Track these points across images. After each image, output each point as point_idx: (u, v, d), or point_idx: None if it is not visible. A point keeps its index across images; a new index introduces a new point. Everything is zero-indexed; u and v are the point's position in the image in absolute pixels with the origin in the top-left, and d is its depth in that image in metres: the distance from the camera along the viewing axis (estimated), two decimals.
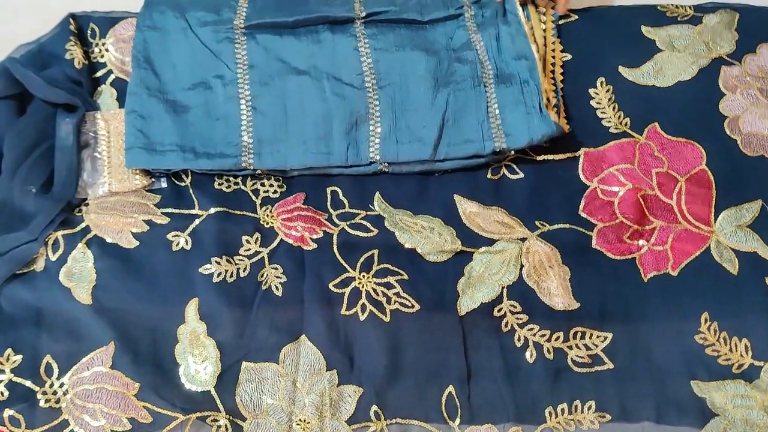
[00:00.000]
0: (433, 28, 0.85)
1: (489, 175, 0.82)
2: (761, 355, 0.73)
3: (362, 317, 0.74)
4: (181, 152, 0.78)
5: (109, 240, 0.77)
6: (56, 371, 0.72)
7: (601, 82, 0.86)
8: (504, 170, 0.82)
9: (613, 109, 0.85)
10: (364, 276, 0.76)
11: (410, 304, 0.75)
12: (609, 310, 0.76)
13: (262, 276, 0.76)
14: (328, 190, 0.81)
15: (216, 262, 0.76)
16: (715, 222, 0.79)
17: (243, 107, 0.80)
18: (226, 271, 0.76)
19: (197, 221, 0.78)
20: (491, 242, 0.79)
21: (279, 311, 0.75)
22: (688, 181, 0.81)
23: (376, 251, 0.78)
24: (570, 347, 0.74)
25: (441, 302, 0.76)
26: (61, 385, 0.72)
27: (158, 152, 0.78)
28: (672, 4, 0.91)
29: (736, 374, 0.73)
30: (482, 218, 0.80)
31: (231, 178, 0.82)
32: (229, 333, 0.74)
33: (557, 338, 0.75)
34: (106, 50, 0.86)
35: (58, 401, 0.71)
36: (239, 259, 0.77)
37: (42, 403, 0.71)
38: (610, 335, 0.75)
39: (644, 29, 0.89)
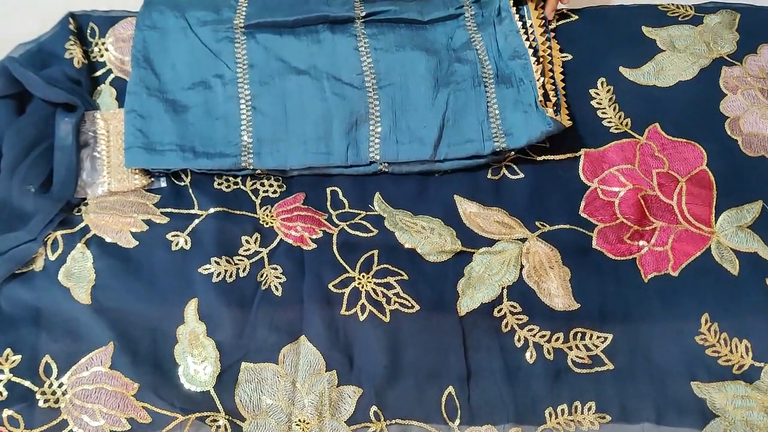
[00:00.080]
0: (434, 27, 0.85)
1: (489, 176, 0.82)
2: (761, 356, 0.73)
3: (362, 317, 0.74)
4: (181, 152, 0.78)
5: (108, 240, 0.76)
6: (55, 371, 0.72)
7: (602, 82, 0.86)
8: (504, 170, 0.82)
9: (614, 109, 0.85)
10: (363, 276, 0.76)
11: (410, 305, 0.75)
12: (609, 310, 0.76)
13: (261, 276, 0.76)
14: (328, 190, 0.81)
15: (215, 262, 0.76)
16: (715, 223, 0.79)
17: (243, 107, 0.79)
18: (226, 271, 0.76)
19: (197, 221, 0.78)
20: (491, 243, 0.78)
21: (278, 311, 0.75)
22: (688, 181, 0.81)
23: (375, 251, 0.77)
24: (570, 348, 0.74)
25: (441, 302, 0.75)
26: (60, 385, 0.72)
27: (158, 152, 0.77)
28: (673, 4, 0.91)
29: (736, 375, 0.73)
30: (482, 218, 0.79)
31: (230, 178, 0.82)
32: (228, 333, 0.73)
33: (557, 339, 0.74)
34: (106, 50, 0.86)
35: (57, 401, 0.71)
36: (239, 259, 0.77)
37: (41, 404, 0.71)
38: (610, 336, 0.75)
39: (645, 29, 0.89)
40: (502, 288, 0.76)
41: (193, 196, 0.80)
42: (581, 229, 0.79)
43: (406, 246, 0.78)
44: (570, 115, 0.83)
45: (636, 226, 0.79)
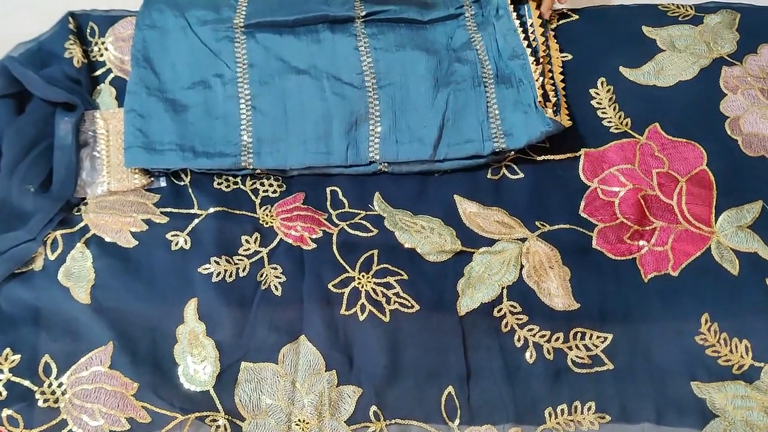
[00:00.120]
0: (434, 27, 0.84)
1: (489, 175, 0.82)
2: (761, 356, 0.73)
3: (362, 317, 0.74)
4: (181, 151, 0.77)
5: (107, 239, 0.76)
6: (55, 371, 0.72)
7: (602, 82, 0.86)
8: (504, 170, 0.82)
9: (614, 109, 0.85)
10: (363, 276, 0.76)
11: (410, 304, 0.75)
12: (609, 310, 0.76)
13: (261, 276, 0.76)
14: (328, 189, 0.81)
15: (215, 261, 0.76)
16: (715, 222, 0.79)
17: (242, 106, 0.79)
18: (226, 270, 0.76)
19: (196, 221, 0.78)
20: (491, 242, 0.78)
21: (278, 311, 0.74)
22: (688, 181, 0.81)
23: (375, 251, 0.77)
24: (570, 348, 0.74)
25: (441, 302, 0.75)
26: (60, 385, 0.71)
27: (157, 151, 0.77)
28: (673, 4, 0.91)
29: (736, 375, 0.73)
30: (482, 218, 0.79)
31: (230, 178, 0.82)
32: (228, 333, 0.73)
33: (557, 339, 0.74)
34: (106, 49, 0.86)
35: (56, 401, 0.71)
36: (238, 259, 0.77)
37: (40, 403, 0.71)
38: (610, 336, 0.75)
39: (645, 29, 0.89)
40: (502, 288, 0.76)
41: (192, 195, 0.80)
42: (581, 229, 0.79)
43: (406, 246, 0.78)
44: (570, 115, 0.83)
45: (636, 226, 0.79)
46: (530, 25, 0.85)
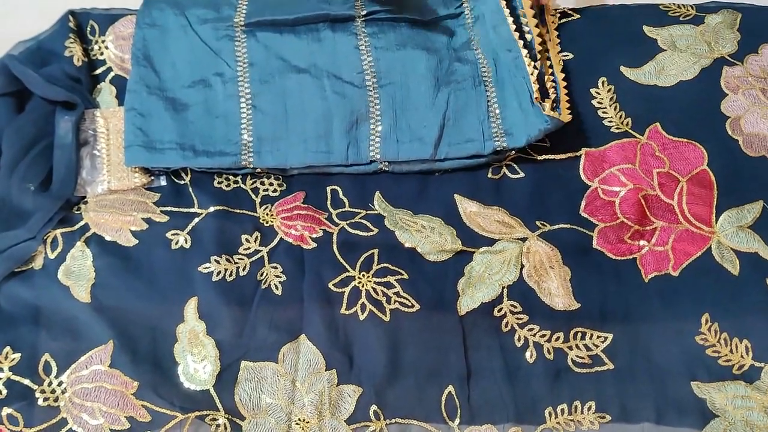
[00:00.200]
0: (434, 26, 0.84)
1: (490, 175, 0.82)
2: (761, 356, 0.73)
3: (362, 317, 0.74)
4: (181, 150, 0.77)
5: (108, 238, 0.76)
6: (55, 369, 0.72)
7: (603, 82, 0.86)
8: (505, 170, 0.82)
9: (615, 108, 0.85)
10: (363, 275, 0.76)
11: (410, 304, 0.75)
12: (609, 310, 0.76)
13: (261, 275, 0.76)
14: (328, 188, 0.81)
15: (215, 260, 0.76)
16: (716, 222, 0.79)
17: (243, 105, 0.79)
18: (226, 269, 0.76)
19: (196, 220, 0.78)
20: (492, 242, 0.78)
21: (278, 310, 0.74)
22: (689, 181, 0.81)
23: (376, 250, 0.77)
24: (570, 347, 0.74)
25: (441, 302, 0.75)
26: (60, 384, 0.71)
27: (158, 150, 0.77)
28: (674, 4, 0.91)
29: (736, 375, 0.73)
30: (483, 218, 0.79)
31: (230, 177, 0.81)
32: (228, 332, 0.73)
33: (557, 338, 0.74)
34: (106, 47, 0.86)
35: (56, 400, 0.71)
36: (239, 258, 0.77)
37: (40, 402, 0.71)
38: (610, 336, 0.75)
39: (646, 29, 0.89)
40: (503, 287, 0.76)
41: (193, 194, 0.80)
42: (582, 229, 0.79)
43: (407, 245, 0.78)
44: (571, 111, 0.83)
45: (636, 226, 0.79)
46: (522, 16, 0.83)
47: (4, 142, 0.77)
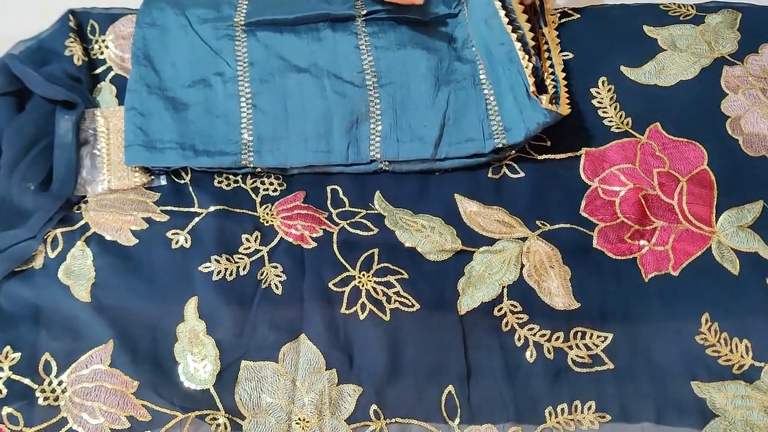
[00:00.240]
0: (434, 26, 0.84)
1: (490, 175, 0.82)
2: (761, 355, 0.73)
3: (362, 316, 0.74)
4: (181, 150, 0.77)
5: (108, 237, 0.76)
6: (55, 369, 0.72)
7: (603, 82, 0.86)
8: (505, 169, 0.82)
9: (615, 108, 0.85)
10: (364, 275, 0.76)
11: (410, 303, 0.75)
12: (609, 310, 0.76)
13: (261, 274, 0.76)
14: (328, 188, 0.81)
15: (215, 260, 0.76)
16: (716, 222, 0.79)
17: (243, 105, 0.79)
18: (226, 269, 0.76)
19: (197, 219, 0.78)
20: (492, 242, 0.78)
21: (278, 310, 0.74)
22: (689, 181, 0.81)
23: (376, 250, 0.77)
24: (570, 347, 0.74)
25: (441, 301, 0.75)
26: (60, 383, 0.71)
27: (158, 149, 0.77)
28: (674, 3, 0.91)
29: (736, 375, 0.73)
30: (483, 217, 0.79)
31: (231, 176, 0.81)
32: (228, 331, 0.73)
33: (557, 338, 0.74)
34: (106, 47, 0.86)
35: (56, 399, 0.71)
36: (239, 258, 0.77)
37: (40, 401, 0.71)
38: (610, 335, 0.75)
39: (646, 28, 0.88)
40: (503, 287, 0.76)
41: (193, 194, 0.80)
42: (582, 229, 0.79)
43: (407, 245, 0.78)
44: (570, 107, 0.83)
45: (636, 226, 0.79)
46: (511, 9, 0.80)
47: (5, 141, 0.77)
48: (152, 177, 0.80)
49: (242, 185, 0.81)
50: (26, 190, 0.75)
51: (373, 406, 0.72)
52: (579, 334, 0.75)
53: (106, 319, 0.73)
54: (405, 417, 0.72)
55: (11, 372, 0.72)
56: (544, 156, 0.82)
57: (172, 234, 0.77)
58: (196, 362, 0.72)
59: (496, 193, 0.81)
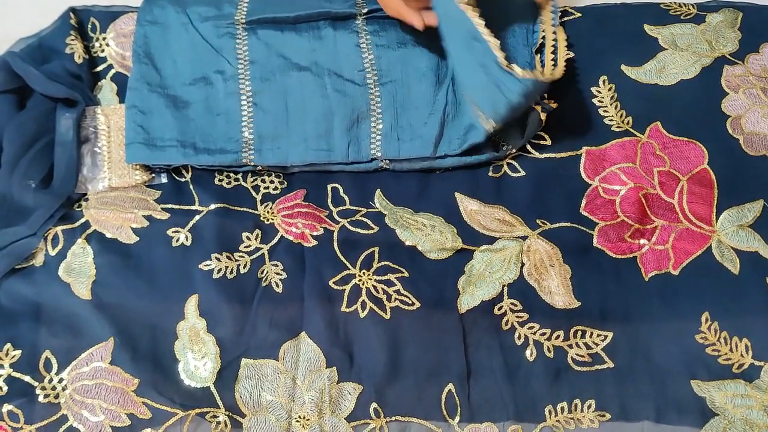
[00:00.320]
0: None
1: (490, 173, 0.82)
2: (761, 355, 0.73)
3: (362, 314, 0.74)
4: (182, 148, 0.77)
5: (108, 235, 0.76)
6: (55, 366, 0.72)
7: (603, 81, 0.86)
8: (505, 168, 0.82)
9: (615, 107, 0.85)
10: (364, 273, 0.76)
11: (410, 302, 0.75)
12: (609, 309, 0.76)
13: (262, 272, 0.76)
14: (329, 186, 0.81)
15: (216, 258, 0.76)
16: (716, 221, 0.79)
17: (244, 103, 0.79)
18: (226, 267, 0.76)
19: (197, 217, 0.78)
20: (492, 240, 0.78)
21: (279, 308, 0.75)
22: (689, 180, 0.81)
23: (376, 248, 0.77)
24: (570, 346, 0.74)
25: (441, 300, 0.75)
26: (60, 381, 0.72)
27: (158, 147, 0.77)
28: (675, 3, 0.90)
29: (736, 374, 0.73)
30: (483, 216, 0.79)
31: (231, 174, 0.82)
32: (228, 329, 0.73)
33: (557, 337, 0.74)
34: (107, 45, 0.86)
35: (57, 396, 0.71)
36: (239, 256, 0.77)
37: (41, 399, 0.71)
38: (610, 334, 0.75)
39: (647, 27, 0.88)
40: (503, 286, 0.76)
41: (193, 192, 0.80)
42: (582, 228, 0.79)
43: (407, 243, 0.78)
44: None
45: (637, 225, 0.79)
46: None
47: (5, 138, 0.77)
48: (153, 175, 0.80)
49: (243, 183, 0.81)
50: (27, 187, 0.75)
51: (373, 405, 0.72)
52: (579, 333, 0.75)
53: (107, 316, 0.73)
54: (405, 415, 0.72)
55: (11, 369, 0.72)
56: (545, 155, 0.82)
57: (173, 232, 0.77)
58: (197, 360, 0.72)
59: (497, 191, 0.81)
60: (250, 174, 0.82)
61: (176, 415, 0.71)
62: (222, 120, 0.79)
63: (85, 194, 0.79)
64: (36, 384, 0.71)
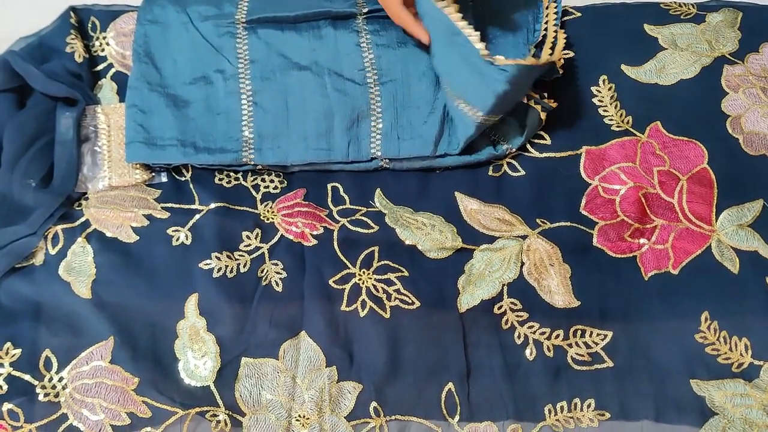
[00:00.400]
0: None
1: (490, 173, 0.82)
2: (761, 354, 0.73)
3: (362, 313, 0.74)
4: (182, 147, 0.77)
5: (108, 234, 0.76)
6: (55, 365, 0.72)
7: (603, 80, 0.86)
8: (505, 167, 0.82)
9: (615, 107, 0.85)
10: (364, 272, 0.76)
11: (410, 301, 0.75)
12: (609, 308, 0.76)
13: (262, 271, 0.76)
14: (329, 186, 0.81)
15: (216, 257, 0.76)
16: (716, 221, 0.79)
17: (244, 102, 0.79)
18: (226, 266, 0.76)
19: (197, 216, 0.78)
20: (492, 239, 0.78)
21: (279, 307, 0.75)
22: (689, 179, 0.81)
23: (376, 248, 0.77)
24: (570, 345, 0.74)
25: (441, 299, 0.76)
26: (60, 380, 0.72)
27: (158, 147, 0.77)
28: (675, 2, 0.91)
29: (735, 373, 0.73)
30: (483, 215, 0.79)
31: (231, 173, 0.82)
32: (228, 328, 0.73)
33: (557, 336, 0.75)
34: (107, 44, 0.86)
35: (57, 395, 0.71)
36: (239, 255, 0.77)
37: (41, 397, 0.71)
38: (610, 333, 0.75)
39: (647, 27, 0.89)
40: (503, 285, 0.76)
41: (193, 191, 0.80)
42: (582, 227, 0.79)
43: (407, 242, 0.78)
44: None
45: (636, 224, 0.79)
46: None
47: (6, 138, 0.77)
48: (153, 174, 0.80)
49: (243, 182, 0.81)
50: (27, 186, 0.75)
51: (373, 404, 0.72)
52: (579, 332, 0.75)
53: (107, 315, 0.73)
54: (405, 414, 0.72)
55: (12, 368, 0.72)
56: (545, 154, 0.82)
57: (173, 231, 0.77)
58: (197, 359, 0.72)
59: (497, 191, 0.81)
60: (250, 173, 0.82)
61: (176, 414, 0.71)
62: (222, 119, 0.79)
63: (85, 193, 0.79)
64: (36, 383, 0.71)
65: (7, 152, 0.76)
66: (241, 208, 0.79)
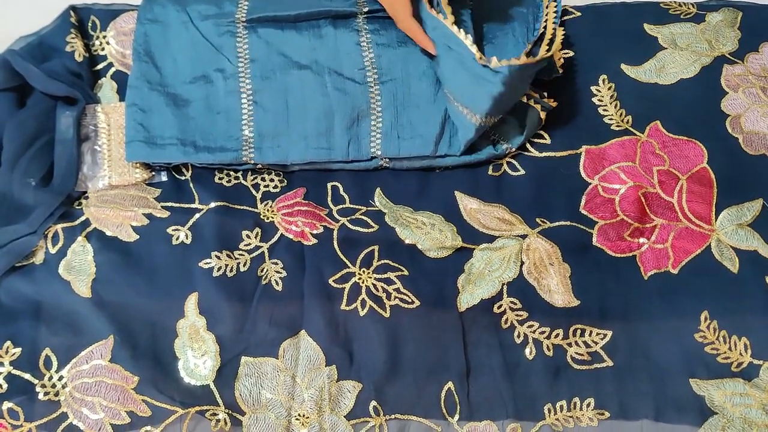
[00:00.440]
0: None
1: (490, 172, 0.82)
2: (760, 353, 0.74)
3: (362, 313, 0.74)
4: (182, 146, 0.77)
5: (108, 233, 0.76)
6: (55, 364, 0.72)
7: (603, 80, 0.86)
8: (505, 167, 0.82)
9: (615, 106, 0.85)
10: (364, 271, 0.76)
11: (410, 300, 0.75)
12: (609, 307, 0.76)
13: (262, 271, 0.76)
14: (329, 185, 0.81)
15: (216, 256, 0.76)
16: (715, 220, 0.79)
17: (244, 101, 0.79)
18: (226, 265, 0.76)
19: (197, 215, 0.78)
20: (492, 239, 0.78)
21: (279, 306, 0.75)
22: (689, 179, 0.81)
23: (376, 247, 0.77)
24: (569, 344, 0.74)
25: (441, 298, 0.76)
26: (60, 378, 0.72)
27: (158, 146, 0.77)
28: (675, 2, 0.91)
29: (735, 373, 0.73)
30: (483, 215, 0.79)
31: (231, 173, 0.82)
32: (228, 327, 0.73)
33: (557, 335, 0.75)
34: (107, 43, 0.86)
35: (57, 394, 0.71)
36: (239, 254, 0.77)
37: (41, 396, 0.71)
38: (609, 333, 0.75)
39: (647, 27, 0.89)
40: (502, 284, 0.76)
41: (193, 190, 0.80)
42: (582, 226, 0.79)
43: (407, 242, 0.78)
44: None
45: (636, 224, 0.79)
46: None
47: (6, 136, 0.77)
48: (153, 173, 0.80)
49: (243, 182, 0.81)
50: (27, 185, 0.75)
51: (373, 403, 0.72)
52: (578, 332, 0.75)
53: (107, 314, 0.73)
54: (404, 413, 0.72)
55: (12, 367, 0.72)
56: (545, 154, 0.82)
57: (173, 230, 0.77)
58: (197, 358, 0.72)
59: (497, 190, 0.81)
60: (250, 172, 0.82)
61: (176, 413, 0.71)
62: (222, 118, 0.79)
63: (85, 192, 0.79)
64: (36, 381, 0.71)
65: (8, 151, 0.76)
66: (241, 207, 0.79)
